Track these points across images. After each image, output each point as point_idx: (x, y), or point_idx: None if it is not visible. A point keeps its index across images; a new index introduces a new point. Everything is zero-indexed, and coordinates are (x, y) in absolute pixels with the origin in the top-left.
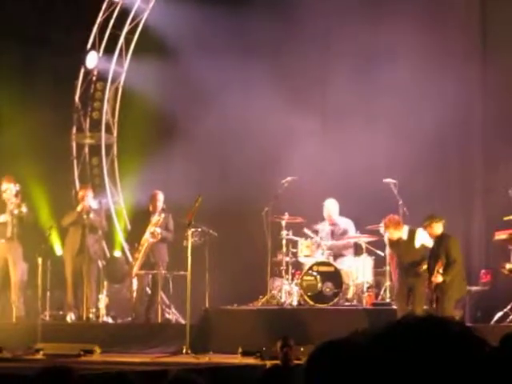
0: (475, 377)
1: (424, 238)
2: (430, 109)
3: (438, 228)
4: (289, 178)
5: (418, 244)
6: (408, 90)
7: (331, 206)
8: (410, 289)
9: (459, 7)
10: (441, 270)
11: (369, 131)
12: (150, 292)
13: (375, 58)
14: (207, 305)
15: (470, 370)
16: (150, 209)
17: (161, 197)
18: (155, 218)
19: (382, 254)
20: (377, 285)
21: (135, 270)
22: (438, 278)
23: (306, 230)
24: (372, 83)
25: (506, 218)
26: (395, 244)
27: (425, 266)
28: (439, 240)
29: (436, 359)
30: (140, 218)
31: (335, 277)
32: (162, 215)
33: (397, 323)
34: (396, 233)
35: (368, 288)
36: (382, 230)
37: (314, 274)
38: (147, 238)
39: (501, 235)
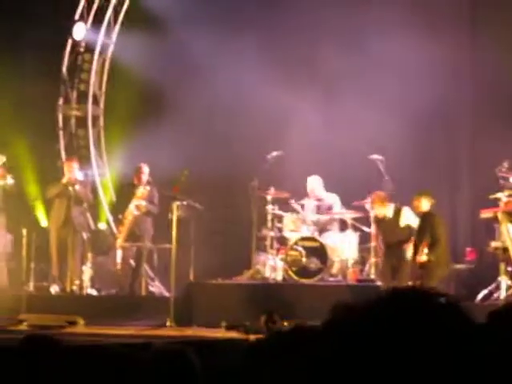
0: (462, 349)
1: (409, 217)
2: (418, 85)
3: (425, 204)
4: (275, 153)
5: (403, 223)
6: (397, 67)
7: (314, 183)
8: (394, 268)
9: None
10: (426, 250)
11: (357, 107)
12: (134, 264)
13: (365, 34)
14: (191, 278)
15: (456, 343)
16: (135, 181)
17: (146, 169)
18: (140, 191)
19: (368, 230)
20: (362, 261)
21: (120, 242)
22: (423, 257)
23: (293, 203)
24: (361, 59)
25: (491, 196)
26: (381, 221)
27: (410, 245)
28: (424, 218)
29: (421, 331)
30: (125, 191)
31: (320, 252)
32: (147, 188)
33: (381, 297)
34: (382, 209)
35: (353, 264)
36: (367, 206)
37: (299, 248)
38: (132, 211)
39: (486, 213)
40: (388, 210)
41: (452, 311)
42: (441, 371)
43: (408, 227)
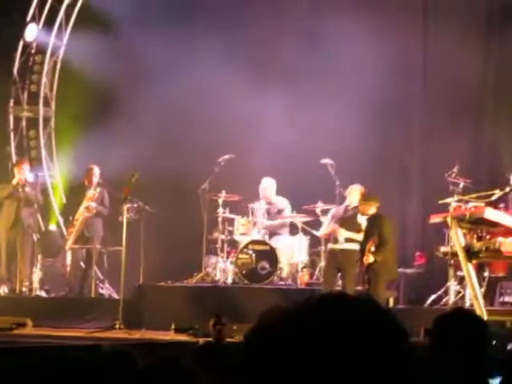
0: (380, 356)
1: (362, 220)
2: (368, 88)
3: (372, 208)
4: (226, 156)
5: (358, 221)
6: (351, 70)
7: (268, 185)
8: (339, 267)
9: None
10: (372, 249)
11: (310, 110)
12: (84, 266)
13: (319, 35)
14: (141, 280)
15: (373, 349)
16: (86, 183)
17: (96, 171)
18: (90, 193)
19: (317, 234)
20: (312, 264)
21: (69, 244)
22: (370, 258)
23: (244, 205)
24: (319, 60)
25: (441, 202)
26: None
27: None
28: (372, 220)
29: (338, 337)
30: (76, 192)
31: (270, 255)
32: (98, 190)
33: (305, 302)
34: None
35: (303, 268)
36: (318, 210)
37: (250, 252)
38: (82, 213)
39: (436, 218)
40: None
41: (374, 317)
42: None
43: (359, 227)
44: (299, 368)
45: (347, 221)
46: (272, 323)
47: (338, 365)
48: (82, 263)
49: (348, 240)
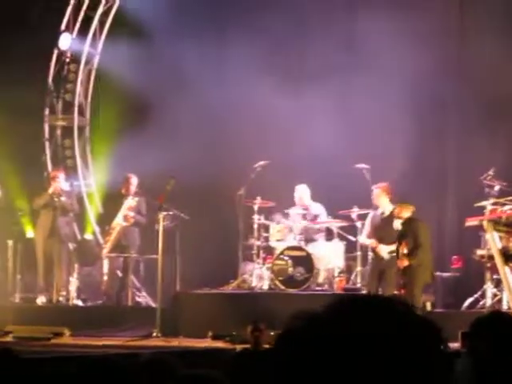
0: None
1: (398, 224)
2: (405, 92)
3: (406, 213)
4: (262, 162)
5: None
6: (384, 72)
7: (303, 191)
8: (381, 272)
9: None
10: (405, 251)
11: (343, 116)
12: (121, 275)
13: (353, 39)
14: (178, 288)
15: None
16: (123, 192)
17: (134, 180)
18: (128, 202)
19: (354, 239)
20: (348, 270)
21: (106, 252)
22: (404, 262)
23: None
24: (351, 62)
25: (477, 205)
26: (377, 218)
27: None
28: (407, 223)
29: (374, 338)
30: (112, 201)
31: (306, 261)
32: (136, 199)
33: (337, 305)
34: (378, 199)
35: (339, 273)
36: (353, 215)
37: (286, 258)
38: (120, 222)
39: (472, 221)
40: (387, 207)
41: (410, 320)
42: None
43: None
44: (327, 372)
45: (386, 232)
46: (299, 327)
47: (367, 369)
48: (118, 272)
49: (391, 252)
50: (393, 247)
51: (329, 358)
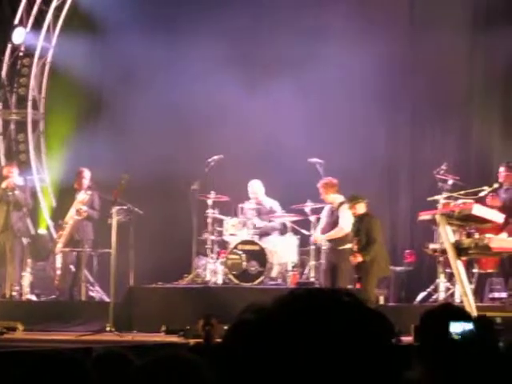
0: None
1: (344, 214)
2: (358, 87)
3: (361, 208)
4: (215, 157)
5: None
6: (335, 69)
7: (256, 186)
8: (334, 266)
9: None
10: (355, 248)
11: (296, 109)
12: (74, 270)
13: (306, 34)
14: (131, 283)
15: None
16: (76, 186)
17: (87, 174)
18: (81, 196)
19: (307, 233)
20: (301, 264)
21: (59, 247)
22: (358, 258)
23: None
24: (303, 62)
25: (429, 199)
26: (329, 210)
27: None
28: (360, 219)
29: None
30: (65, 196)
31: (260, 256)
32: (88, 193)
33: (286, 296)
34: (324, 195)
35: (293, 267)
36: (307, 209)
37: (239, 252)
38: (72, 216)
39: (425, 216)
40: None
41: (359, 314)
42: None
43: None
44: (275, 365)
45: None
46: (248, 321)
47: (317, 362)
48: (72, 266)
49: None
50: (329, 234)
51: (277, 351)
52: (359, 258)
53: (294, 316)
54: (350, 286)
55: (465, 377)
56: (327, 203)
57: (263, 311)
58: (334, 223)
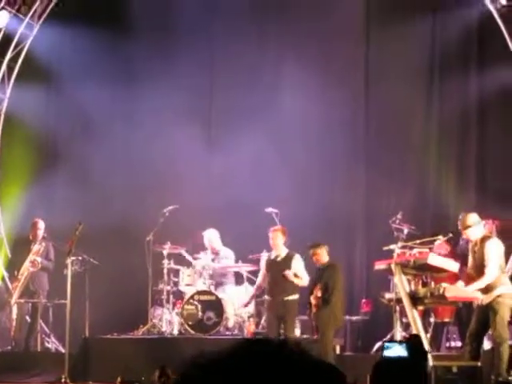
0: None
1: (299, 267)
2: (312, 137)
3: (324, 255)
4: (170, 207)
5: (293, 269)
6: (292, 119)
7: (211, 236)
8: (280, 316)
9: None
10: (319, 295)
11: (252, 159)
12: (29, 320)
13: (264, 90)
14: (87, 333)
15: None
16: (31, 237)
17: (41, 225)
18: (36, 247)
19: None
20: (257, 314)
21: (15, 298)
22: (317, 306)
23: (185, 254)
24: (259, 113)
25: (385, 248)
26: (272, 262)
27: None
28: (324, 268)
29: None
30: (21, 246)
31: (216, 306)
32: (43, 244)
33: (232, 348)
34: (276, 241)
35: (249, 317)
36: (262, 259)
37: (195, 303)
38: (27, 267)
39: (380, 265)
40: (281, 250)
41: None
42: None
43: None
44: None
45: (280, 275)
46: (194, 374)
47: None
48: (27, 317)
49: (288, 292)
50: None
51: None
52: (319, 306)
53: (239, 369)
54: (305, 336)
55: None
56: (276, 251)
57: (208, 364)
58: (278, 273)
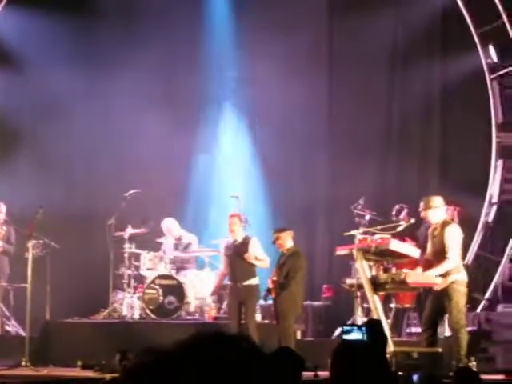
0: None
1: (256, 250)
2: (275, 121)
3: (287, 240)
4: (132, 191)
5: (251, 252)
6: (257, 105)
7: (169, 224)
8: (240, 302)
9: (308, 30)
10: (274, 278)
11: (220, 144)
12: None
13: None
14: (48, 317)
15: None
16: None
17: (3, 208)
18: None
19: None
20: (219, 299)
21: None
22: (276, 291)
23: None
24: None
25: (346, 234)
26: (230, 247)
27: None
28: (287, 253)
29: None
30: None
31: (177, 290)
32: (4, 228)
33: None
34: (233, 226)
35: (210, 302)
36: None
37: (156, 287)
38: None
39: (342, 250)
40: (238, 234)
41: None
42: None
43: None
44: None
45: (238, 259)
46: (145, 364)
47: None
48: None
49: (248, 276)
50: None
51: None
52: (277, 291)
53: (190, 362)
54: (265, 321)
55: None
56: (233, 236)
57: (161, 355)
58: (237, 257)
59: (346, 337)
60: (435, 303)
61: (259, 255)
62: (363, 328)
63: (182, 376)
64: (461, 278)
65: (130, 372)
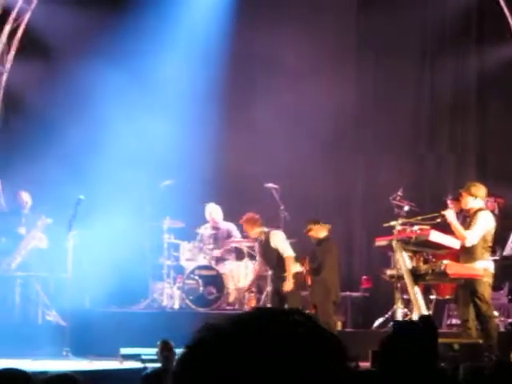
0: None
1: (277, 242)
2: (309, 115)
3: (321, 232)
4: (167, 182)
5: (271, 247)
6: (288, 96)
7: (212, 209)
8: (278, 292)
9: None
10: (309, 268)
11: (254, 135)
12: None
13: (254, 64)
14: (88, 307)
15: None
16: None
17: (28, 198)
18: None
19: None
20: (258, 289)
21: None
22: (289, 285)
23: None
24: (251, 90)
25: (385, 225)
26: (258, 245)
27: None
28: (319, 244)
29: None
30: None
31: (217, 281)
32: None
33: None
34: (250, 232)
35: (249, 292)
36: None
37: (196, 277)
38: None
39: (381, 241)
40: (259, 233)
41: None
42: None
43: (276, 251)
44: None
45: (267, 257)
46: (203, 340)
47: (270, 382)
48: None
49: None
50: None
51: (232, 370)
52: (290, 286)
53: (249, 335)
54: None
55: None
56: (252, 239)
57: (218, 330)
58: (265, 255)
59: (397, 328)
60: (463, 300)
61: (280, 248)
62: (415, 322)
63: (240, 351)
64: (486, 266)
65: (188, 350)
